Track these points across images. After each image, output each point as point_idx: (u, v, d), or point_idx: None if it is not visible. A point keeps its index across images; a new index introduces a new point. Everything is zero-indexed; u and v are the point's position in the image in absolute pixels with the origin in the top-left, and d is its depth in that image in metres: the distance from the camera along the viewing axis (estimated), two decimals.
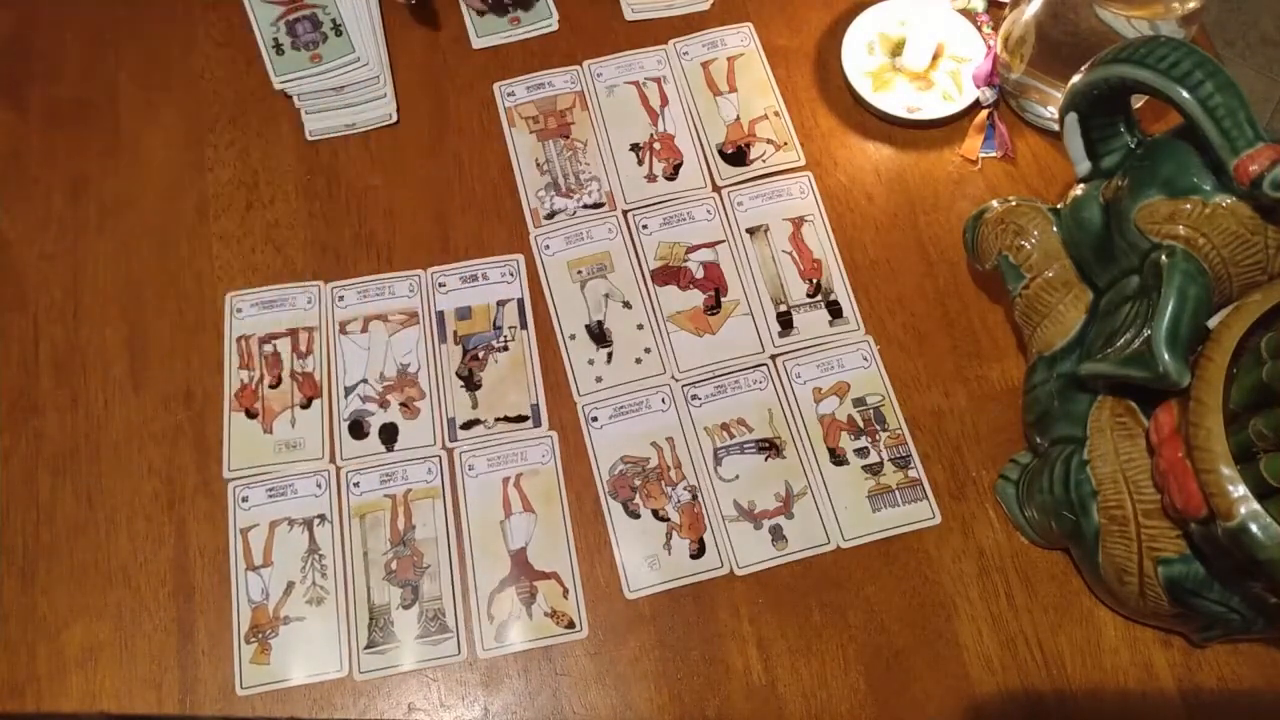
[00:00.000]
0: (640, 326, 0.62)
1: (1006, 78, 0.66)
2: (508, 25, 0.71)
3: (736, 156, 0.67)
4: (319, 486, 0.58)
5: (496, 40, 0.70)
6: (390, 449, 0.59)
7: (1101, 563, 0.49)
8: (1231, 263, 0.45)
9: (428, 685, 0.54)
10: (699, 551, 0.56)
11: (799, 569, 0.56)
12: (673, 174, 0.66)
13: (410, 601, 0.55)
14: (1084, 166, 0.52)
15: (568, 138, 0.67)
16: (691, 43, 0.70)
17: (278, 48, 0.68)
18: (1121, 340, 0.47)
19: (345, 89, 0.67)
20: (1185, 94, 0.43)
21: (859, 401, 0.60)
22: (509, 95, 0.69)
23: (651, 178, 0.66)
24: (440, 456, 0.59)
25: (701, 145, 0.67)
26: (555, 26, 0.71)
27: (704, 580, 0.56)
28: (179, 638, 0.55)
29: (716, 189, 0.66)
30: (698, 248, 0.64)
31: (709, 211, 0.65)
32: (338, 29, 0.68)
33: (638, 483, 0.58)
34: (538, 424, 0.59)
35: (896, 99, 0.66)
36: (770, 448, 0.59)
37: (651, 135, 0.67)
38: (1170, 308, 0.44)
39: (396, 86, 0.68)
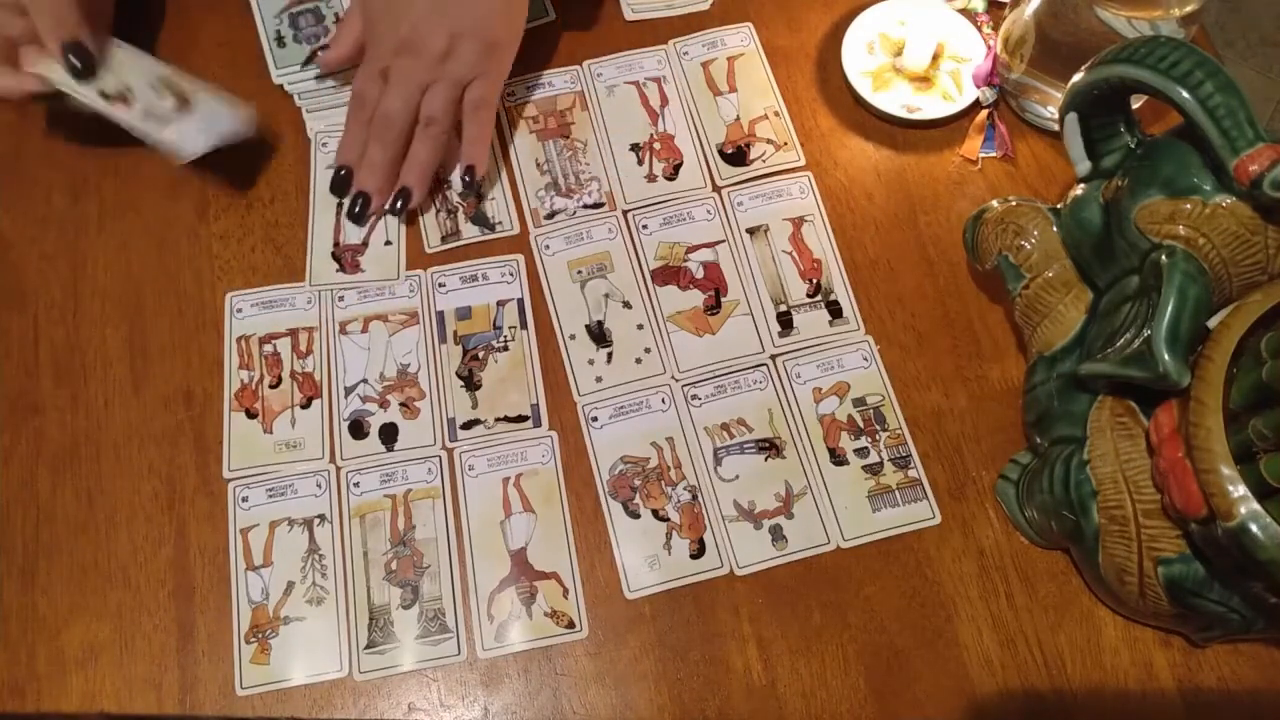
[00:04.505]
0: (640, 326, 0.62)
1: (1006, 78, 0.66)
2: None
3: (736, 156, 0.66)
4: (319, 486, 0.58)
5: None
6: (390, 449, 0.59)
7: (1101, 563, 0.49)
8: (1231, 263, 0.45)
9: (428, 685, 0.54)
10: (699, 551, 0.56)
11: (799, 569, 0.56)
12: (673, 174, 0.66)
13: (410, 601, 0.55)
14: (1084, 166, 0.52)
15: (568, 138, 0.67)
16: (691, 43, 0.70)
17: (279, 40, 0.68)
18: (1121, 340, 0.47)
19: (347, 86, 0.67)
20: (1185, 94, 0.43)
21: (859, 401, 0.60)
22: (509, 95, 0.68)
23: (651, 178, 0.66)
24: (440, 456, 0.59)
25: (701, 145, 0.67)
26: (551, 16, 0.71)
27: (704, 580, 0.56)
28: (179, 638, 0.55)
29: (716, 189, 0.66)
30: (698, 248, 0.64)
31: (709, 211, 0.65)
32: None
33: (638, 483, 0.58)
34: (538, 424, 0.59)
35: (896, 99, 0.66)
36: (770, 448, 0.59)
37: (651, 135, 0.67)
38: (1170, 308, 0.44)
39: None
